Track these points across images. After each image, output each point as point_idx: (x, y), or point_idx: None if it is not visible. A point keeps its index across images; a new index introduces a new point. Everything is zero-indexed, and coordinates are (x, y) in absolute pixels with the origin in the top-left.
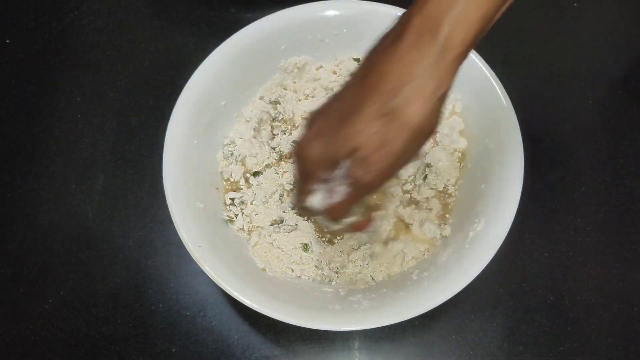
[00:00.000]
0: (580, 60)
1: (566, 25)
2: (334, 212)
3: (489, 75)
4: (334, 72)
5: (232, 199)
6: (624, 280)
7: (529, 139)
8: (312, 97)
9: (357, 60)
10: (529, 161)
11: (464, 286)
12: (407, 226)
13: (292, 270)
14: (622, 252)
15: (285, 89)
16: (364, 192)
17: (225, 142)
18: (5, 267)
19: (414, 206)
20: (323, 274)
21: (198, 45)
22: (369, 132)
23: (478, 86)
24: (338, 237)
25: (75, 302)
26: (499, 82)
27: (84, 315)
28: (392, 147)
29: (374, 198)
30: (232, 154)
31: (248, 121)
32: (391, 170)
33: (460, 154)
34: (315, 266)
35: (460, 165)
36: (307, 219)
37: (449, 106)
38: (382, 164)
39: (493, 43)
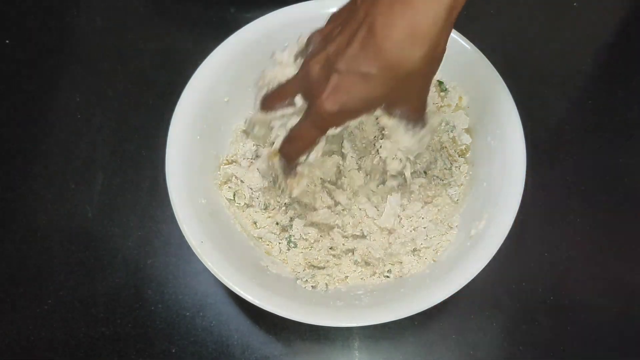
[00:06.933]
0: (580, 60)
1: (566, 25)
2: (294, 144)
3: (491, 72)
4: None
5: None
6: (624, 280)
7: (529, 139)
8: None
9: None
10: (529, 161)
11: (465, 283)
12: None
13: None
14: (622, 252)
15: None
16: (323, 122)
17: (228, 140)
18: (5, 267)
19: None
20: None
21: (198, 45)
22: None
23: (481, 83)
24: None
25: (74, 302)
26: (502, 80)
27: (83, 315)
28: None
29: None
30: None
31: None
32: (354, 108)
33: (463, 147)
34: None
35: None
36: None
37: (455, 99)
38: (346, 97)
39: (493, 42)
